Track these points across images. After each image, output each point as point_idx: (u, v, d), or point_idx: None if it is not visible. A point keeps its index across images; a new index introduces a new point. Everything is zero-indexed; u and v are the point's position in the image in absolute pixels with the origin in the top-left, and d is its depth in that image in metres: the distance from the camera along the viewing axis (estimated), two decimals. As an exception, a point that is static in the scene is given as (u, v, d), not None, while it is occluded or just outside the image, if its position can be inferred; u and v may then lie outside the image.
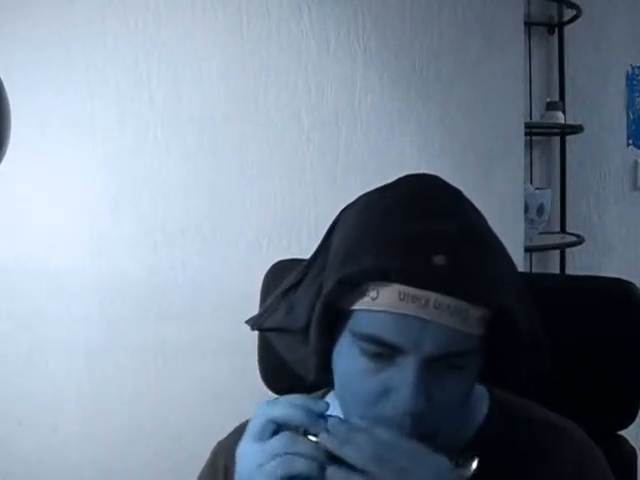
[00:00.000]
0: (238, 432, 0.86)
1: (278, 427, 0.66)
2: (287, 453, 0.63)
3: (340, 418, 0.67)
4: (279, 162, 1.71)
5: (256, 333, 1.02)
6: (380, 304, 0.66)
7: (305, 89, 1.72)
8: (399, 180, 0.76)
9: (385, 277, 0.66)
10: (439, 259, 0.65)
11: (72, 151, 1.62)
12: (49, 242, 1.61)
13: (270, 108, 1.70)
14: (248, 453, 0.67)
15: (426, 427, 0.67)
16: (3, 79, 1.20)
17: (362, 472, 0.62)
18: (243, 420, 0.85)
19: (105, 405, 1.66)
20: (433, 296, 0.65)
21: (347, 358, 0.70)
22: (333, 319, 0.71)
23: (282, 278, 0.82)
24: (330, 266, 0.72)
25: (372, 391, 0.68)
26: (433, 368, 0.67)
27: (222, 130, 1.68)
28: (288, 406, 0.66)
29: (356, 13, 1.73)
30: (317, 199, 1.72)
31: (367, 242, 0.69)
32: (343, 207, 0.78)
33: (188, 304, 1.68)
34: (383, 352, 0.67)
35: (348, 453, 0.63)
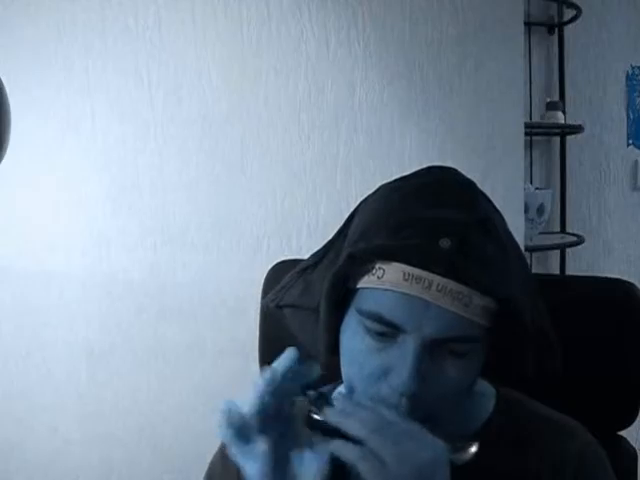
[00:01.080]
0: None
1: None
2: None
3: (345, 394, 0.69)
4: (279, 162, 1.71)
5: (256, 333, 1.02)
6: (385, 283, 0.68)
7: (305, 89, 1.72)
8: (421, 170, 0.78)
9: (391, 257, 0.68)
10: (445, 242, 0.66)
11: (72, 151, 1.62)
12: (49, 242, 1.61)
13: (270, 108, 1.70)
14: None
15: (423, 410, 0.68)
16: (3, 79, 1.20)
17: (363, 445, 0.63)
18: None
19: (105, 405, 1.66)
20: (437, 279, 0.66)
21: (353, 336, 0.71)
22: (342, 297, 0.72)
23: (283, 278, 0.82)
24: (346, 247, 0.74)
25: (374, 370, 0.69)
26: (434, 352, 0.68)
27: (222, 130, 1.68)
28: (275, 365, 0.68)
29: (356, 13, 1.73)
30: (317, 199, 1.72)
31: (380, 225, 0.71)
32: (355, 202, 0.80)
33: (188, 304, 1.68)
34: (386, 331, 0.68)
35: (351, 426, 0.64)
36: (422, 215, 0.69)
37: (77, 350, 1.64)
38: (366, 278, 0.70)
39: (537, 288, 0.76)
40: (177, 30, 1.65)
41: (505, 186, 1.83)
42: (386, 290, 0.68)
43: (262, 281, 1.04)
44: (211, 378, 1.69)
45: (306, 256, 0.82)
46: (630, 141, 2.75)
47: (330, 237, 0.81)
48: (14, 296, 1.61)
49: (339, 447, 0.64)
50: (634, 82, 2.73)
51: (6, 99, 1.20)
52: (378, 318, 0.68)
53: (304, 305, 0.78)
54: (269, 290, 0.98)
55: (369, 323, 0.69)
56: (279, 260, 1.06)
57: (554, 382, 0.76)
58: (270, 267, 1.05)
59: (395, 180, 0.78)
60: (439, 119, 1.80)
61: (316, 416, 0.67)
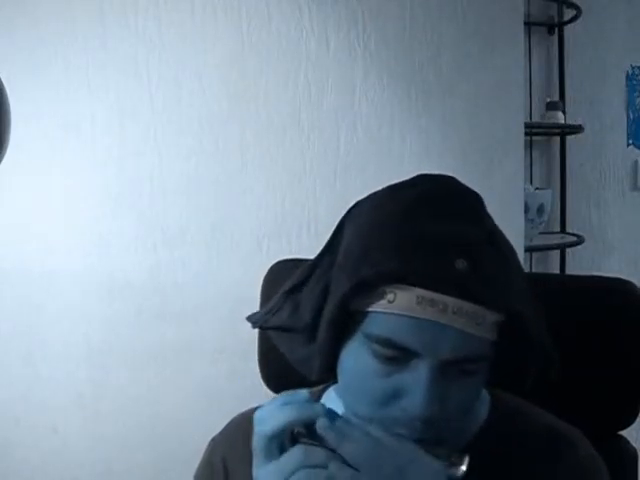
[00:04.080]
0: (231, 426, 0.87)
1: (283, 440, 0.65)
2: (305, 466, 0.62)
3: (338, 415, 0.66)
4: (279, 162, 1.71)
5: (256, 333, 1.02)
6: (397, 307, 0.65)
7: (305, 89, 1.72)
8: (415, 179, 0.74)
9: (403, 280, 0.65)
10: (460, 263, 0.64)
11: (72, 151, 1.62)
12: (49, 242, 1.61)
13: (270, 108, 1.70)
14: (265, 476, 0.65)
15: (434, 432, 0.66)
16: (3, 79, 1.20)
17: (357, 469, 0.62)
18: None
19: (105, 405, 1.66)
20: (451, 301, 0.64)
21: (357, 359, 0.69)
22: (344, 320, 0.69)
23: (283, 278, 0.82)
24: (341, 266, 0.71)
25: (382, 393, 0.67)
26: (446, 373, 0.66)
27: (222, 130, 1.68)
28: (281, 414, 0.65)
29: (356, 13, 1.73)
30: (317, 199, 1.72)
31: (384, 242, 0.67)
32: (352, 204, 0.76)
33: (188, 304, 1.68)
34: (397, 355, 0.66)
35: (347, 451, 0.63)
36: (429, 231, 0.66)
37: (77, 350, 1.64)
38: (375, 302, 0.66)
39: (531, 291, 0.75)
40: (177, 30, 1.65)
41: (505, 186, 1.83)
42: (398, 314, 0.65)
43: (262, 281, 1.04)
44: (211, 378, 1.69)
45: (306, 256, 0.82)
46: (630, 141, 2.75)
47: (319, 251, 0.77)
48: (14, 296, 1.60)
49: (334, 473, 0.62)
50: (634, 82, 2.73)
51: (6, 99, 1.20)
52: (389, 343, 0.66)
53: (293, 327, 0.75)
54: (269, 290, 0.98)
55: (378, 348, 0.66)
56: (278, 260, 1.06)
57: (551, 384, 0.75)
58: (269, 267, 1.05)
59: (389, 188, 0.74)
60: (439, 119, 1.80)
61: (304, 440, 0.64)
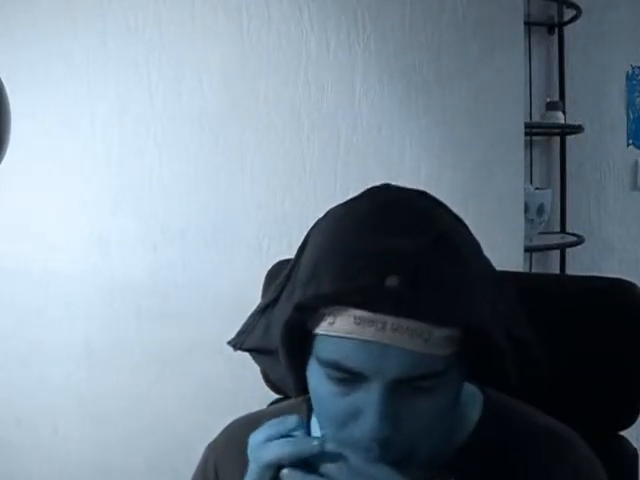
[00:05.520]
0: (228, 431, 0.87)
1: (276, 472, 0.65)
2: None
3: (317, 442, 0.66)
4: (279, 162, 1.71)
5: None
6: (337, 329, 0.64)
7: (305, 89, 1.72)
8: (362, 194, 0.74)
9: (340, 301, 0.64)
10: (392, 280, 0.62)
11: (72, 151, 1.62)
12: (49, 242, 1.61)
13: (270, 108, 1.70)
14: None
15: (396, 452, 0.65)
16: (3, 79, 1.20)
17: None
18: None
19: (105, 405, 1.66)
20: (390, 319, 0.62)
21: (316, 382, 0.69)
22: (300, 341, 0.69)
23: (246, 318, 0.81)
24: (297, 286, 0.70)
25: (341, 413, 0.67)
26: (399, 392, 0.64)
27: (222, 130, 1.68)
28: (281, 447, 0.65)
29: (356, 13, 1.73)
30: (317, 199, 1.72)
31: (328, 263, 0.66)
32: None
33: (188, 304, 1.68)
34: (347, 378, 0.65)
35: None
36: (367, 249, 0.64)
37: (77, 350, 1.64)
38: (320, 324, 0.66)
39: (514, 297, 0.73)
40: (177, 29, 1.65)
41: (505, 186, 1.83)
42: (340, 337, 0.64)
43: (262, 281, 1.04)
44: (211, 379, 1.69)
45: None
46: (630, 141, 2.75)
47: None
48: (14, 296, 1.60)
49: None
50: (634, 82, 2.73)
51: (6, 99, 1.20)
52: (336, 367, 0.65)
53: (266, 348, 0.75)
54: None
55: (329, 371, 0.66)
56: (279, 260, 1.06)
57: (541, 383, 0.75)
58: (269, 267, 1.05)
59: (341, 205, 0.73)
60: (439, 119, 1.80)
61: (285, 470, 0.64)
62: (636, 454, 0.93)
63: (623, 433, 0.95)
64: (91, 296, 1.64)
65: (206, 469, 0.85)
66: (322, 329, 0.66)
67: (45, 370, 1.63)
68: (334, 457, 0.63)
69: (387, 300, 0.62)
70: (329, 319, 0.65)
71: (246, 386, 1.49)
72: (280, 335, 0.69)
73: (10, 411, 1.62)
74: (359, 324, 0.63)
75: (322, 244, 0.69)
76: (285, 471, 0.63)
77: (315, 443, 0.64)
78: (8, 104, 1.20)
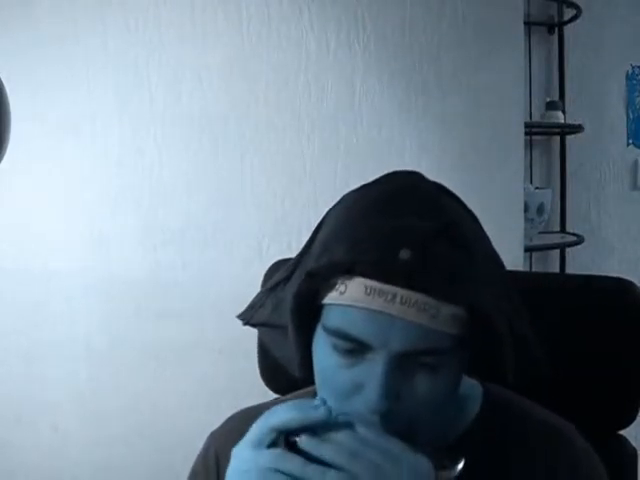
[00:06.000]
0: (231, 421, 0.87)
1: (278, 436, 0.65)
2: (274, 469, 0.63)
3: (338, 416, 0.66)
4: (279, 162, 1.71)
5: (255, 332, 1.02)
6: (347, 298, 0.66)
7: (305, 89, 1.72)
8: (381, 178, 0.76)
9: (352, 271, 0.66)
10: (404, 253, 0.64)
11: (72, 151, 1.62)
12: (49, 242, 1.61)
13: (270, 108, 1.70)
14: (240, 457, 0.66)
15: (398, 426, 0.66)
16: (3, 79, 1.20)
17: (339, 469, 0.61)
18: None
19: (105, 405, 1.66)
20: (400, 291, 0.64)
21: (322, 353, 0.70)
22: (309, 314, 0.70)
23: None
24: (310, 260, 0.72)
25: (345, 386, 0.68)
26: (403, 366, 0.66)
27: (222, 130, 1.68)
28: (286, 412, 0.65)
29: (356, 13, 1.73)
30: (317, 199, 1.72)
31: (340, 237, 0.68)
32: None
33: (188, 304, 1.68)
34: (353, 348, 0.67)
35: (325, 453, 0.62)
36: (381, 226, 0.66)
37: (77, 350, 1.64)
38: (329, 294, 0.67)
39: (514, 288, 0.74)
40: (177, 30, 1.65)
41: (505, 186, 1.83)
42: (349, 306, 0.66)
43: (261, 281, 1.04)
44: (211, 378, 1.69)
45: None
46: (630, 141, 2.75)
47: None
48: (14, 295, 1.61)
49: (317, 476, 0.62)
50: (634, 82, 2.73)
51: (6, 99, 1.20)
52: (343, 335, 0.66)
53: (275, 323, 0.75)
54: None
55: (335, 340, 0.67)
56: (278, 260, 1.06)
57: (541, 383, 0.75)
58: (268, 267, 1.05)
59: (359, 188, 0.75)
60: (439, 119, 1.80)
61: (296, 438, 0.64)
62: (636, 454, 0.94)
63: (623, 433, 0.95)
64: (91, 295, 1.64)
65: (207, 457, 0.85)
66: (332, 299, 0.67)
67: (45, 368, 1.63)
68: (342, 427, 0.64)
69: (399, 272, 0.64)
70: (340, 288, 0.66)
71: (246, 385, 1.49)
72: (290, 305, 0.70)
73: (10, 409, 1.62)
74: (369, 294, 0.64)
75: (337, 222, 0.71)
76: (303, 437, 0.63)
77: (322, 411, 0.65)
78: (8, 104, 1.20)
